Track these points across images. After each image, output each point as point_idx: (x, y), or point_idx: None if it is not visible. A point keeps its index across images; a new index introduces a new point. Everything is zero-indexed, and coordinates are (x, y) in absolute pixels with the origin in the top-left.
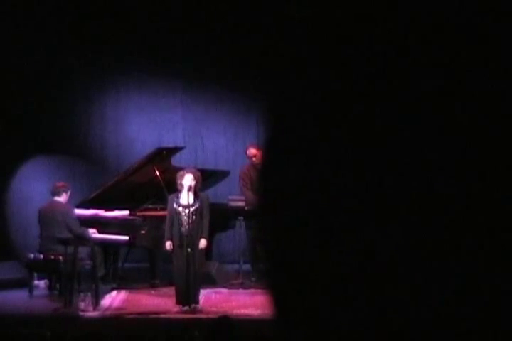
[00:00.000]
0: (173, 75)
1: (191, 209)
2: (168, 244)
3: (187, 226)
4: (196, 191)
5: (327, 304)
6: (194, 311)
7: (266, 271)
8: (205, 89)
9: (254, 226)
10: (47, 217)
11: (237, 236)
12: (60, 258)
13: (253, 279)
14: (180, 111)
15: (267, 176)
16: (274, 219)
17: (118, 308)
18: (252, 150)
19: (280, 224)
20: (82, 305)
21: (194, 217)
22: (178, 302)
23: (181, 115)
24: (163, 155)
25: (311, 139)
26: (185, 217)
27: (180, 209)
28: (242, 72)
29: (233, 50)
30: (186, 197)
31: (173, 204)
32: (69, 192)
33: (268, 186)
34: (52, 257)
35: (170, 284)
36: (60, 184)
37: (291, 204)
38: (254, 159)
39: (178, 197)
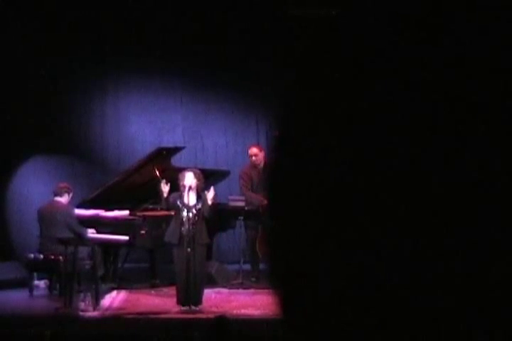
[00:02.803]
0: (173, 75)
1: (193, 210)
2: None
3: (187, 227)
4: (199, 191)
5: (331, 303)
6: (194, 311)
7: (271, 270)
8: (205, 89)
9: (261, 225)
10: (47, 216)
11: (237, 236)
12: (60, 258)
13: (253, 279)
14: (180, 111)
15: (273, 177)
16: (280, 219)
17: (118, 308)
18: (254, 150)
19: (286, 224)
20: (82, 305)
21: (196, 217)
22: (179, 302)
23: (181, 115)
24: (163, 155)
25: (318, 140)
26: (186, 217)
27: (183, 209)
28: (242, 72)
29: (233, 50)
30: (188, 197)
31: (176, 203)
32: (71, 194)
33: (274, 187)
34: (52, 257)
35: (170, 284)
36: (62, 184)
37: (297, 204)
38: (254, 158)
39: (181, 197)
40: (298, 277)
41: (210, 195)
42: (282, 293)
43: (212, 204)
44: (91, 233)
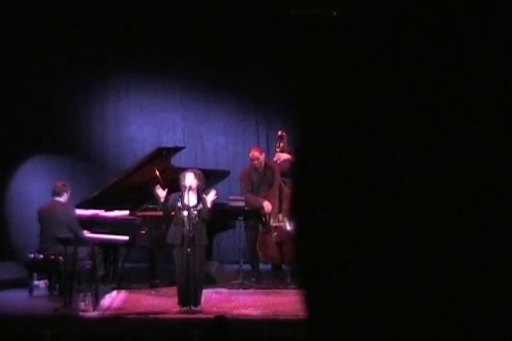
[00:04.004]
0: (173, 75)
1: (193, 210)
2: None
3: (188, 227)
4: (199, 192)
5: (356, 305)
6: (194, 311)
7: (298, 272)
8: (205, 89)
9: (261, 225)
10: (47, 216)
11: (237, 236)
12: (60, 258)
13: (253, 279)
14: (180, 111)
15: (299, 178)
16: (308, 221)
17: (118, 308)
18: (255, 154)
19: (313, 225)
20: (82, 305)
21: (196, 218)
22: (180, 302)
23: (181, 115)
24: (163, 155)
25: (324, 140)
26: (187, 218)
27: (183, 209)
28: (242, 73)
29: (233, 50)
30: (189, 198)
31: (176, 203)
32: (69, 192)
33: (300, 188)
34: (52, 257)
35: (170, 284)
36: (60, 184)
37: (319, 205)
38: (256, 162)
39: (181, 197)
40: (323, 277)
41: (210, 197)
42: (308, 292)
43: (213, 205)
44: (85, 234)
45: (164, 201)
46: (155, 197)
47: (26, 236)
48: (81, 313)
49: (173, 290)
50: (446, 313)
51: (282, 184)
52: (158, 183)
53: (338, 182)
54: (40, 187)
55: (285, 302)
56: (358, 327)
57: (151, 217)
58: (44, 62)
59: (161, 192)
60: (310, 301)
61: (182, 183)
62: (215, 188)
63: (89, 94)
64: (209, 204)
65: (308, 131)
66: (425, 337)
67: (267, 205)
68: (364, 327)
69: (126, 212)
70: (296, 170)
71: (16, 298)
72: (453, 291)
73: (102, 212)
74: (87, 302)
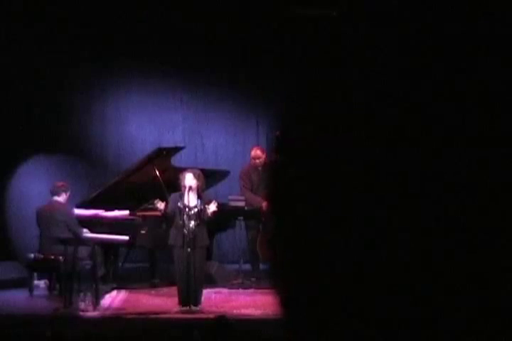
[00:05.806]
0: (173, 75)
1: (193, 210)
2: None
3: (188, 227)
4: (199, 192)
5: (334, 305)
6: (194, 311)
7: (273, 271)
8: (205, 89)
9: (261, 225)
10: (46, 216)
11: (237, 236)
12: (60, 258)
13: (253, 279)
14: (180, 111)
15: (274, 177)
16: (284, 219)
17: (118, 308)
18: (258, 152)
19: (287, 224)
20: (82, 305)
21: (196, 218)
22: (180, 302)
23: (181, 115)
24: (163, 155)
25: (318, 140)
26: (187, 218)
27: (183, 209)
28: (242, 72)
29: (233, 50)
30: (189, 198)
31: (176, 203)
32: (68, 192)
33: (276, 187)
34: (52, 257)
35: (170, 284)
36: (59, 184)
37: (297, 204)
38: (257, 161)
39: (181, 197)
40: (299, 277)
41: (211, 208)
42: (283, 293)
43: (213, 214)
44: (85, 232)
45: (165, 209)
46: (155, 205)
47: (26, 236)
48: (81, 313)
49: (173, 290)
50: (445, 314)
51: None
52: (157, 197)
53: (330, 182)
54: (40, 187)
55: None
56: (349, 329)
57: (151, 217)
58: (44, 62)
59: (161, 205)
60: (291, 301)
61: (182, 183)
62: (214, 191)
63: (89, 94)
64: (210, 214)
65: (302, 131)
66: (424, 337)
67: (266, 206)
68: (356, 327)
69: (126, 212)
70: (274, 167)
71: (15, 298)
72: (452, 292)
73: (102, 212)
74: (87, 302)
